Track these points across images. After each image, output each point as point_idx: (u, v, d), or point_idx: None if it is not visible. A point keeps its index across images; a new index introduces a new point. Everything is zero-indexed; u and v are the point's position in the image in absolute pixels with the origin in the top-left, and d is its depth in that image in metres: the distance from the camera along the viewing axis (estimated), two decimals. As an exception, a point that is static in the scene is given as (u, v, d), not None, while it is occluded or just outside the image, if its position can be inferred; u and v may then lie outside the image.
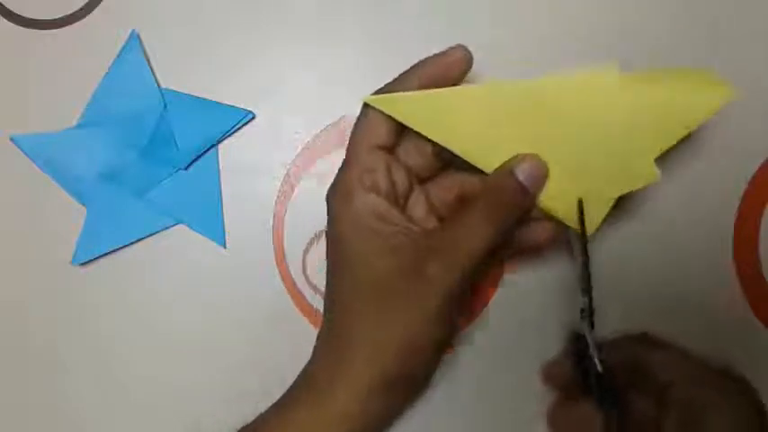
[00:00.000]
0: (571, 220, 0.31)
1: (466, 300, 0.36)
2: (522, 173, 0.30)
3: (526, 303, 0.37)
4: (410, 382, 0.32)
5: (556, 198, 0.31)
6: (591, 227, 0.32)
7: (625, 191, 0.31)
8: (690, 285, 0.36)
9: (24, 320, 0.38)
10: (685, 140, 0.36)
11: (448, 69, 0.30)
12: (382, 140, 0.31)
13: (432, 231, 0.31)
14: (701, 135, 0.36)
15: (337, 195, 0.31)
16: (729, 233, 0.36)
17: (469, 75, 0.30)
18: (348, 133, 0.37)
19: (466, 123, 0.30)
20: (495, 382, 0.36)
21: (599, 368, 0.31)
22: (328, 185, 0.34)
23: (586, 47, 0.37)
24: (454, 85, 0.31)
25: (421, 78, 0.30)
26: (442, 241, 0.30)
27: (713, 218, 0.36)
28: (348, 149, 0.31)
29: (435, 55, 0.30)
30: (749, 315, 0.36)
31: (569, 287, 0.36)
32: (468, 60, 0.30)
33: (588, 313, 0.32)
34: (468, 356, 0.37)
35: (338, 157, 0.37)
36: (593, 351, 0.32)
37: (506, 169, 0.30)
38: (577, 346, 0.34)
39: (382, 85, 0.31)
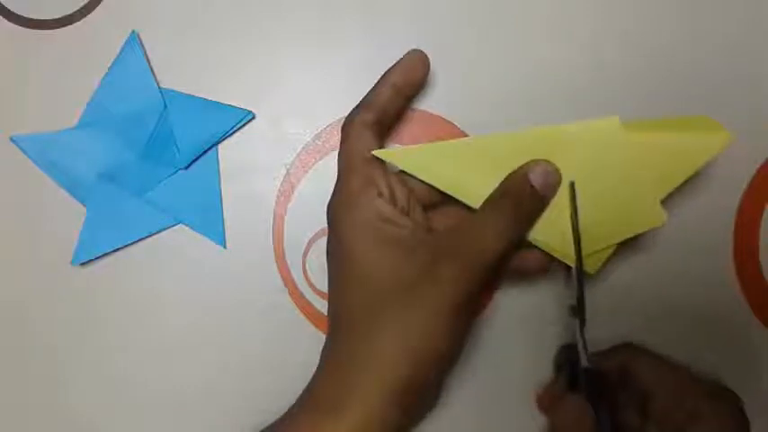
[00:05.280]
0: (570, 259, 0.32)
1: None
2: (535, 177, 0.30)
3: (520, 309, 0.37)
4: (423, 396, 0.31)
5: (558, 239, 0.32)
6: (593, 267, 0.33)
7: (629, 235, 0.32)
8: (690, 286, 0.36)
9: (24, 320, 0.38)
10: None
11: (410, 73, 0.32)
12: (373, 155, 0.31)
13: (443, 232, 0.31)
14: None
15: (340, 205, 0.31)
16: (729, 233, 0.36)
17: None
18: (348, 133, 0.37)
19: (469, 172, 0.31)
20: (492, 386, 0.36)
21: (584, 362, 0.31)
22: (328, 185, 0.33)
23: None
24: (420, 86, 0.33)
25: (392, 86, 0.32)
26: (456, 241, 0.30)
27: (713, 218, 0.36)
28: (342, 164, 0.32)
29: (396, 63, 0.32)
30: (749, 315, 0.36)
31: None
32: (424, 61, 0.32)
33: (579, 310, 0.32)
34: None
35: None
36: (580, 345, 0.32)
37: (520, 173, 0.31)
38: (568, 354, 0.34)
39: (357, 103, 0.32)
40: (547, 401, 0.35)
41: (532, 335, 0.36)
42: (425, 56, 0.33)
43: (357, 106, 0.32)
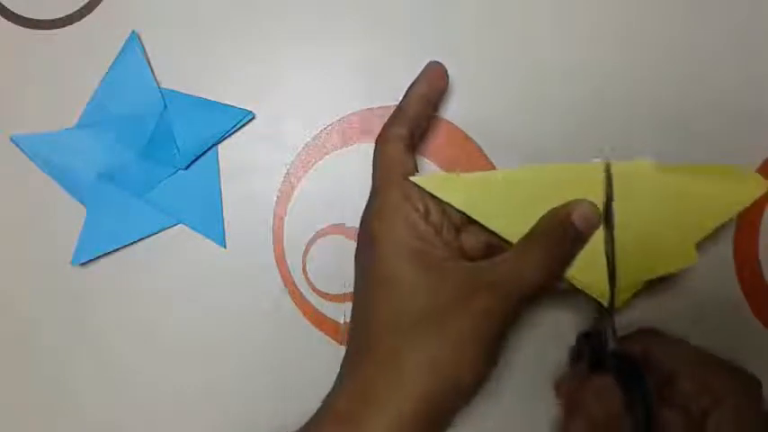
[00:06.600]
0: (601, 296, 0.32)
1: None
2: (577, 216, 0.31)
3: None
4: (446, 420, 0.30)
5: (591, 276, 0.32)
6: (620, 302, 0.32)
7: (660, 273, 0.32)
8: (690, 286, 0.36)
9: (24, 320, 0.38)
10: (685, 140, 0.36)
11: (435, 82, 0.33)
12: (409, 169, 0.31)
13: (479, 263, 0.31)
14: (700, 135, 0.36)
15: (377, 217, 0.31)
16: (729, 233, 0.36)
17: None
18: (348, 133, 0.37)
19: (504, 204, 0.31)
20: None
21: (612, 344, 0.31)
22: (328, 185, 0.34)
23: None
24: (443, 95, 0.33)
25: (421, 97, 0.32)
26: (493, 274, 0.30)
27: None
28: (379, 177, 0.32)
29: (419, 76, 0.33)
30: (749, 315, 0.36)
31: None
32: (444, 71, 0.33)
33: (609, 294, 0.32)
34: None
35: (338, 157, 0.37)
36: (609, 329, 0.32)
37: (563, 211, 0.31)
38: (588, 341, 0.34)
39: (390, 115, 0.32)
40: (566, 388, 0.34)
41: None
42: (444, 66, 0.33)
43: (389, 121, 0.32)
